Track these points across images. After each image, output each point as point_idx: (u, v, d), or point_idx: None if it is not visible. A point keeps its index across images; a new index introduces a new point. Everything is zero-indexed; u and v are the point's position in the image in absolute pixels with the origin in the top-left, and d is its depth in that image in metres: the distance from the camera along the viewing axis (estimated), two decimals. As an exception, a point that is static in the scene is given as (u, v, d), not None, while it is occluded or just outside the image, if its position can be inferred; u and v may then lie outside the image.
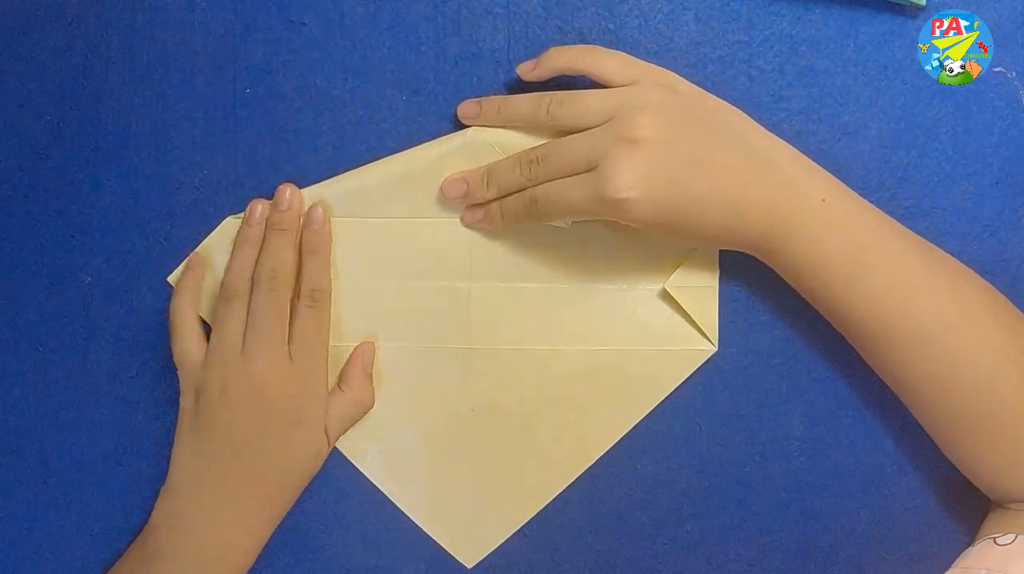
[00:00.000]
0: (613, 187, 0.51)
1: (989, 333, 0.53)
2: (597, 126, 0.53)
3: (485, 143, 0.57)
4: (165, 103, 0.58)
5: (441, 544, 0.60)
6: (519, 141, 0.56)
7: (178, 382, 0.58)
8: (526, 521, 0.60)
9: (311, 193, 0.58)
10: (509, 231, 0.58)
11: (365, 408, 0.59)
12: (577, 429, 0.59)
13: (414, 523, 0.60)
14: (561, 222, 0.56)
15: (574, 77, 0.56)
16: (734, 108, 0.55)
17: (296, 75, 0.58)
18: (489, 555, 0.60)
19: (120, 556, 0.59)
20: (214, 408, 0.55)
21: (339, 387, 0.58)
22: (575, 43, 0.58)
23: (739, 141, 0.53)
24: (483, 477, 0.60)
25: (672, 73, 0.55)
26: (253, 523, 0.57)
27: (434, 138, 0.58)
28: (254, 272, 0.56)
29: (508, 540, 0.60)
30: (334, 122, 0.58)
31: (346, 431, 0.59)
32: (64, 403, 0.60)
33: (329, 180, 0.58)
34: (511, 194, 0.55)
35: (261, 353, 0.55)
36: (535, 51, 0.58)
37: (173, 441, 0.57)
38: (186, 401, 0.57)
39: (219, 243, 0.59)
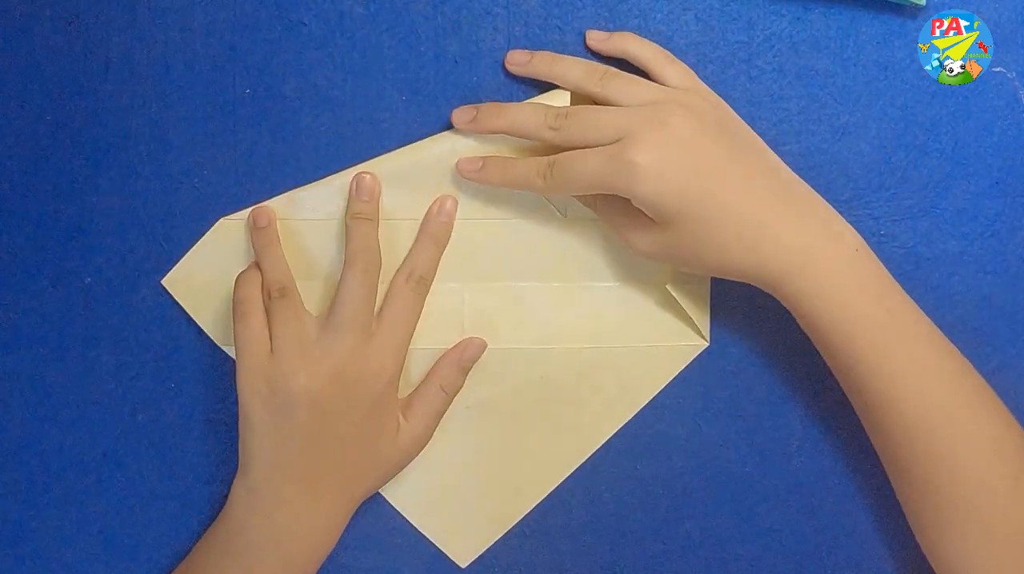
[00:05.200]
0: (631, 152, 0.51)
1: (989, 426, 0.52)
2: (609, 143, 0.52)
3: (473, 146, 0.57)
4: (165, 103, 0.58)
5: (435, 543, 0.60)
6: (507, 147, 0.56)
7: (176, 377, 0.58)
8: (519, 520, 0.60)
9: (303, 193, 0.58)
10: (501, 231, 0.58)
11: (449, 396, 0.58)
12: (570, 427, 0.60)
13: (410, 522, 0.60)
14: (561, 200, 0.57)
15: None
16: (772, 152, 0.55)
17: (296, 75, 0.58)
18: (490, 556, 0.60)
19: (192, 549, 0.58)
20: (293, 397, 0.54)
21: (429, 375, 0.58)
22: (575, 43, 0.58)
23: (777, 174, 0.54)
24: (476, 476, 0.60)
25: (723, 102, 0.56)
26: (334, 511, 0.56)
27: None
28: (345, 254, 0.56)
29: (508, 540, 0.60)
30: (334, 122, 0.58)
31: (435, 423, 0.58)
32: (64, 403, 0.60)
33: (319, 181, 0.58)
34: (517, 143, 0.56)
35: (347, 331, 0.54)
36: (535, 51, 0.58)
37: (242, 433, 0.55)
38: (253, 394, 0.54)
39: (213, 245, 0.59)
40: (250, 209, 0.58)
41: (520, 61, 0.57)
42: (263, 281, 0.57)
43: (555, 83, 0.56)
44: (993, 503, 0.51)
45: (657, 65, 0.56)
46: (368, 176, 0.57)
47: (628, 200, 0.52)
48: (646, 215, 0.53)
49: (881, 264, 0.54)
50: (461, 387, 0.58)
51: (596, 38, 0.57)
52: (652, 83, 0.55)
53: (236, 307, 0.56)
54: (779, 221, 0.52)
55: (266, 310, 0.56)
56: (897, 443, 0.53)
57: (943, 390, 0.52)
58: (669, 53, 0.57)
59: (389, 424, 0.56)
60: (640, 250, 0.55)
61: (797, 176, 0.55)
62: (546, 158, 0.54)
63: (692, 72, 0.56)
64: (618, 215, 0.55)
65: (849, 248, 0.53)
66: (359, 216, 0.57)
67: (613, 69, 0.55)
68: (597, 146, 0.52)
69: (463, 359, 0.58)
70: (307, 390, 0.54)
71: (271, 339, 0.55)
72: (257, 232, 0.58)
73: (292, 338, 0.55)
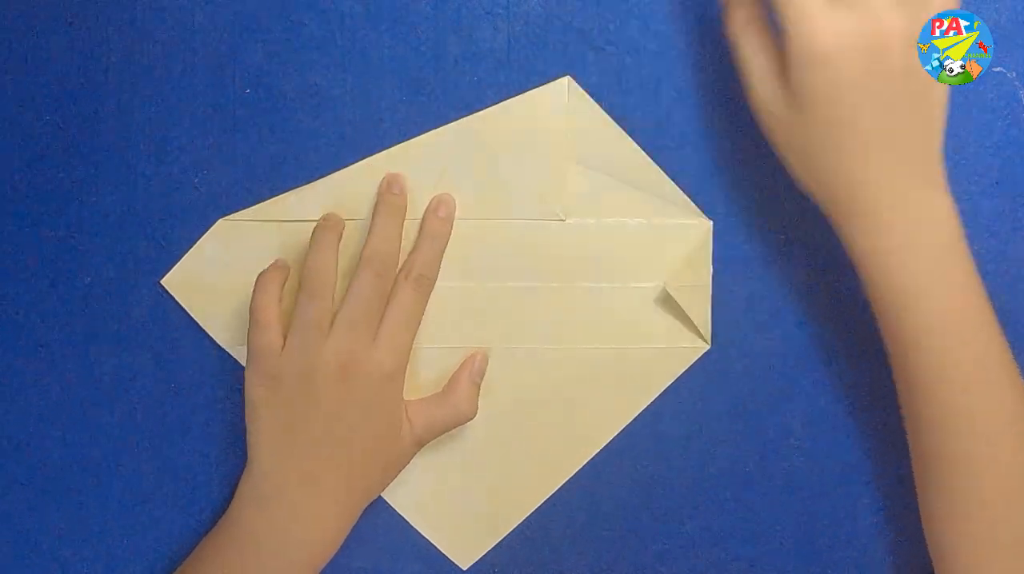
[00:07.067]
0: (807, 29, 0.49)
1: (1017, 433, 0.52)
2: None
3: (471, 142, 0.57)
4: (165, 103, 0.59)
5: (435, 545, 0.60)
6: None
7: (176, 377, 0.58)
8: (520, 522, 0.60)
9: (297, 195, 0.58)
10: (501, 231, 0.58)
11: (462, 416, 0.58)
12: (571, 428, 0.59)
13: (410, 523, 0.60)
14: (561, 204, 0.58)
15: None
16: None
17: (296, 75, 0.58)
18: (490, 555, 0.60)
19: (196, 545, 0.58)
20: (298, 391, 0.54)
21: (442, 390, 0.58)
22: (575, 43, 0.58)
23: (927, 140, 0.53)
24: (477, 477, 0.60)
25: None
26: (339, 507, 0.55)
27: (434, 138, 0.58)
28: (363, 252, 0.56)
29: (508, 540, 0.60)
30: (334, 122, 0.58)
31: (439, 434, 0.58)
32: (64, 403, 0.60)
33: (317, 182, 0.58)
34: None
35: (352, 329, 0.54)
36: (535, 51, 0.58)
37: (248, 429, 0.55)
38: (259, 390, 0.55)
39: (212, 245, 0.59)
40: (251, 209, 0.58)
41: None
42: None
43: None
44: (1005, 504, 0.51)
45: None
46: (399, 173, 0.58)
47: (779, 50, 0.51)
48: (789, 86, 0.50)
49: (970, 260, 0.52)
50: (476, 408, 0.58)
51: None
52: None
53: (252, 314, 0.55)
54: (886, 188, 0.51)
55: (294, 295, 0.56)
56: (927, 430, 0.53)
57: (1003, 389, 0.52)
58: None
59: (394, 424, 0.56)
60: (758, 103, 0.52)
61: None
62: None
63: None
64: (762, 55, 0.52)
65: (948, 237, 0.52)
66: (388, 212, 0.57)
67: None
68: None
69: (474, 375, 0.58)
70: (311, 387, 0.54)
71: (288, 330, 0.55)
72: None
73: (308, 331, 0.55)
